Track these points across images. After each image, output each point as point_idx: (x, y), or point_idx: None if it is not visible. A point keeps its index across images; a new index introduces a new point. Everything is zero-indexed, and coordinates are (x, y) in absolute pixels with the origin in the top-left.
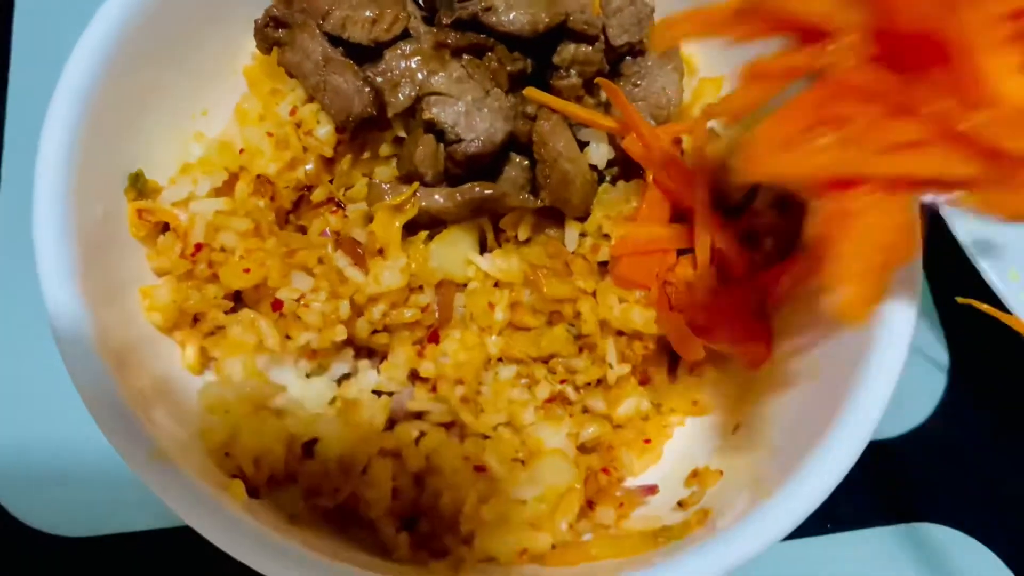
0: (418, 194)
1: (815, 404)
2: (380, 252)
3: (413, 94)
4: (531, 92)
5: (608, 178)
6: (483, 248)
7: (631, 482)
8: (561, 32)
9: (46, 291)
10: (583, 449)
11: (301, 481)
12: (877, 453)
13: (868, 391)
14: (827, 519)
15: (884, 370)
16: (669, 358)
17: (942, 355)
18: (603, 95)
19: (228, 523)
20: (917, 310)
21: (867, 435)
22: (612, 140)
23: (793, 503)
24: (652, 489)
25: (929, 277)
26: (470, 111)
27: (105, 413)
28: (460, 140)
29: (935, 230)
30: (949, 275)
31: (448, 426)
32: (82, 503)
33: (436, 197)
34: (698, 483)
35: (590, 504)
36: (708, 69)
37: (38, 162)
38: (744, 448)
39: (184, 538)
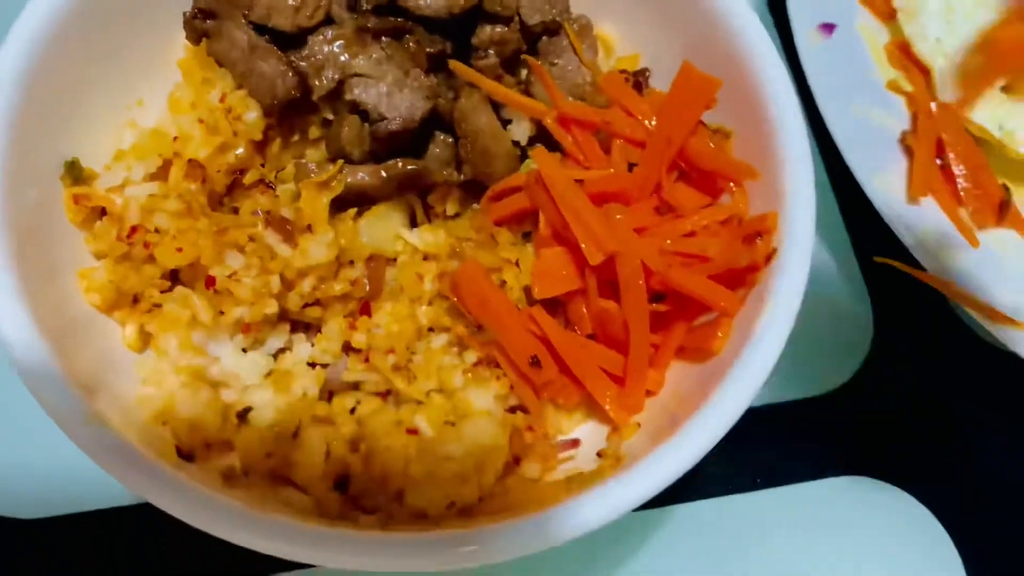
0: (344, 171)
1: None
2: (309, 228)
3: (336, 77)
4: (456, 65)
5: (530, 155)
6: (414, 225)
7: (559, 439)
8: (478, 14)
9: None
10: (512, 410)
11: (237, 448)
12: (806, 410)
13: (751, 361)
14: (757, 475)
15: (770, 338)
16: None
17: (867, 317)
18: (523, 74)
19: (161, 482)
20: (804, 283)
21: (747, 399)
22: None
23: (680, 451)
24: (575, 443)
25: (854, 242)
26: (391, 91)
27: (40, 384)
28: (383, 119)
29: (859, 198)
30: (874, 239)
31: (384, 396)
32: (32, 486)
33: (361, 174)
34: (617, 436)
35: (516, 460)
36: (624, 48)
37: None
38: (657, 403)
39: (135, 516)
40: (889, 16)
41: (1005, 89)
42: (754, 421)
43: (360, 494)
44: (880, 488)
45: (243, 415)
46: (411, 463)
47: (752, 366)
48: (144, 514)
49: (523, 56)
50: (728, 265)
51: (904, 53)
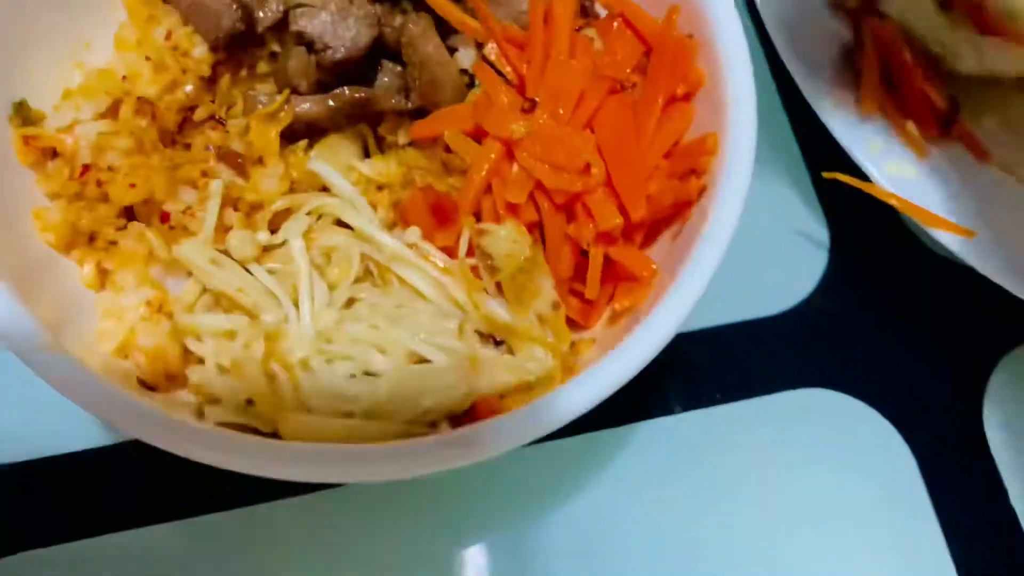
0: (291, 102)
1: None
2: (260, 161)
3: (281, 8)
4: None
5: (478, 82)
6: (367, 156)
7: None
8: None
9: None
10: None
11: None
12: (765, 328)
13: (686, 280)
14: (718, 390)
15: (707, 256)
16: None
17: (823, 234)
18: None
19: (128, 408)
20: (742, 203)
21: (683, 315)
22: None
23: (626, 358)
24: None
25: (807, 160)
26: (335, 20)
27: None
28: (327, 48)
29: (812, 118)
30: (827, 156)
31: None
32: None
33: (308, 104)
34: (575, 351)
35: None
36: None
37: None
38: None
39: (103, 459)
40: None
41: (942, 6)
42: (713, 340)
43: None
44: (835, 398)
45: None
46: None
47: (688, 285)
48: (106, 457)
49: None
50: (660, 206)
51: None
